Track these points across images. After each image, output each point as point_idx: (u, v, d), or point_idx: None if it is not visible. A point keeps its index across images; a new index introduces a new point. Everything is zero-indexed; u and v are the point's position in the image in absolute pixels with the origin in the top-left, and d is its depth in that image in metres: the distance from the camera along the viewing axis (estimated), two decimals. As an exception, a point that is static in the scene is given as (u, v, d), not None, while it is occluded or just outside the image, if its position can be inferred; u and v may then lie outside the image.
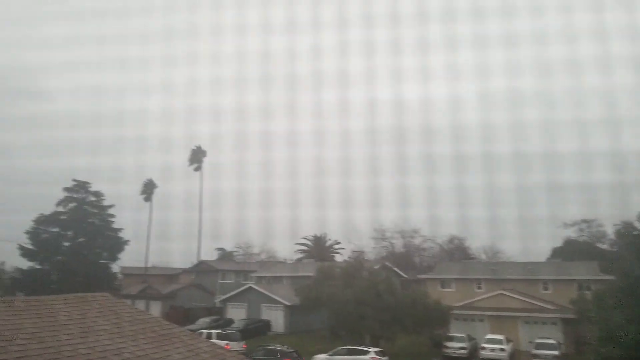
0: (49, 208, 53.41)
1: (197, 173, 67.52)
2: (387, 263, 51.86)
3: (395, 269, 50.23)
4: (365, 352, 28.21)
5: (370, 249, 61.23)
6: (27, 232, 51.61)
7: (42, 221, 52.91)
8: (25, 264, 52.08)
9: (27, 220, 51.47)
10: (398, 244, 63.60)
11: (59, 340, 8.28)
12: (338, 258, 67.12)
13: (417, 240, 63.68)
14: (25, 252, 51.53)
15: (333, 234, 71.14)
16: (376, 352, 28.25)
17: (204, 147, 67.79)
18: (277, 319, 42.47)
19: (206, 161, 68.20)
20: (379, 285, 31.96)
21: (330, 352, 29.00)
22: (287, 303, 41.57)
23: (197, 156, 67.63)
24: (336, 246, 73.50)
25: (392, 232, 62.74)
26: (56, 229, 53.58)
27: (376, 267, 44.04)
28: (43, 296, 10.85)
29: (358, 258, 45.47)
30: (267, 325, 41.75)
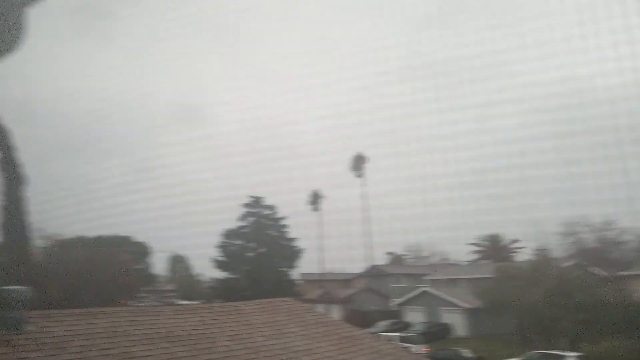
0: (231, 223, 59.21)
1: (360, 179, 68.70)
2: (577, 260, 46.86)
3: (588, 266, 45.11)
4: (563, 358, 25.54)
5: (556, 246, 55.84)
6: (218, 246, 57.84)
7: (229, 235, 58.81)
8: (219, 274, 58.51)
9: (215, 235, 57.73)
10: (589, 239, 56.96)
11: (255, 341, 8.91)
12: (517, 258, 62.66)
13: (612, 234, 56.34)
14: (218, 264, 57.92)
15: (510, 232, 66.52)
16: (577, 357, 25.40)
17: (364, 154, 68.73)
18: (457, 322, 41.12)
19: (368, 167, 68.99)
20: (569, 284, 28.97)
21: (521, 357, 26.95)
22: (467, 306, 40.01)
23: (358, 163, 68.91)
24: (514, 245, 68.77)
25: (580, 226, 56.46)
26: (241, 242, 59.19)
27: (565, 264, 40.12)
28: (238, 302, 11.88)
29: (543, 256, 41.80)
30: (447, 328, 40.62)
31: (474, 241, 69.24)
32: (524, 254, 62.36)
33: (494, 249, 67.59)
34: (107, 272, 35.61)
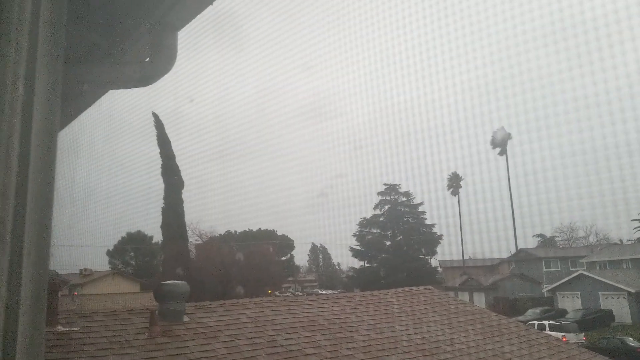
0: (367, 212, 59.70)
1: (502, 157, 64.92)
2: None
3: None
4: None
5: None
6: (354, 235, 58.87)
7: (365, 224, 59.51)
8: (357, 263, 59.64)
9: (352, 225, 58.74)
10: None
11: (395, 330, 8.88)
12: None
13: None
14: (355, 253, 59.02)
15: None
16: None
17: (505, 130, 64.77)
18: (620, 308, 37.25)
19: (511, 144, 64.83)
20: None
21: None
22: (631, 290, 36.05)
23: (500, 139, 65.03)
24: (687, 219, 60.13)
25: None
26: (377, 230, 59.57)
27: None
28: (376, 291, 11.94)
29: None
30: (609, 315, 37.00)
31: (637, 218, 61.80)
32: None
33: (663, 225, 59.71)
34: (254, 265, 38.15)
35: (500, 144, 64.62)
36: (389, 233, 59.43)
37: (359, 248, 59.20)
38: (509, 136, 64.18)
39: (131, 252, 54.12)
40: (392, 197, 60.23)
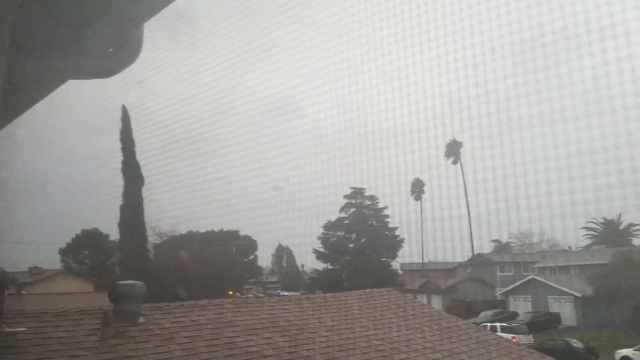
0: (332, 215, 59.89)
1: (456, 166, 66.28)
2: None
3: None
4: None
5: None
6: (319, 238, 59.02)
7: (330, 227, 59.74)
8: (320, 265, 59.81)
9: (317, 227, 58.81)
10: None
11: (354, 332, 8.93)
12: (636, 242, 57.40)
13: None
14: (319, 255, 59.19)
15: (626, 216, 60.93)
16: None
17: (457, 139, 66.12)
18: (566, 311, 38.76)
19: (463, 152, 66.27)
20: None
21: (637, 347, 25.08)
22: (577, 294, 37.52)
23: (453, 149, 66.52)
24: (634, 228, 62.97)
25: None
26: (341, 233, 59.93)
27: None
28: (338, 293, 11.99)
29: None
30: (556, 318, 38.45)
31: (586, 226, 64.39)
32: (644, 238, 57.07)
33: (610, 233, 62.39)
34: (216, 265, 37.65)
35: (453, 153, 65.99)
36: (353, 236, 59.87)
37: (323, 250, 59.38)
38: (460, 145, 65.51)
39: (85, 251, 52.43)
40: (358, 201, 60.70)
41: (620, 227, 63.30)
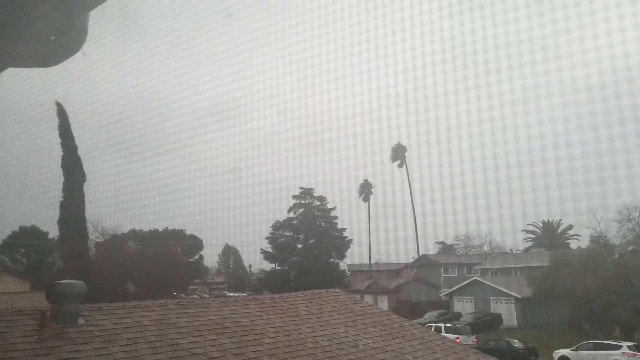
0: (280, 215, 59.68)
1: (402, 169, 67.63)
2: (636, 246, 44.80)
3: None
4: (617, 347, 24.68)
5: (614, 233, 53.39)
6: (267, 238, 58.62)
7: (278, 227, 59.47)
8: (268, 265, 59.42)
9: (265, 227, 58.40)
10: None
11: (302, 332, 8.92)
12: (573, 245, 60.43)
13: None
14: (267, 256, 58.79)
15: (565, 218, 64.01)
16: (630, 347, 24.45)
17: (402, 143, 67.44)
18: (508, 312, 40.18)
19: (408, 156, 67.69)
20: (627, 271, 27.78)
21: (573, 347, 26.27)
22: (518, 295, 39.01)
23: (398, 153, 67.82)
24: (570, 232, 66.37)
25: (638, 212, 53.78)
26: (290, 233, 59.76)
27: (622, 251, 38.45)
28: (285, 293, 11.94)
29: (600, 242, 40.22)
30: (497, 319, 39.78)
31: (526, 229, 67.32)
32: (579, 242, 60.12)
33: (549, 236, 65.47)
34: (160, 265, 36.73)
35: (399, 157, 67.31)
36: (302, 236, 59.82)
37: (271, 250, 59.00)
38: (405, 149, 66.97)
39: (22, 248, 49.91)
40: (307, 201, 60.72)
41: (558, 231, 66.57)
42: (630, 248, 40.54)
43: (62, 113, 34.20)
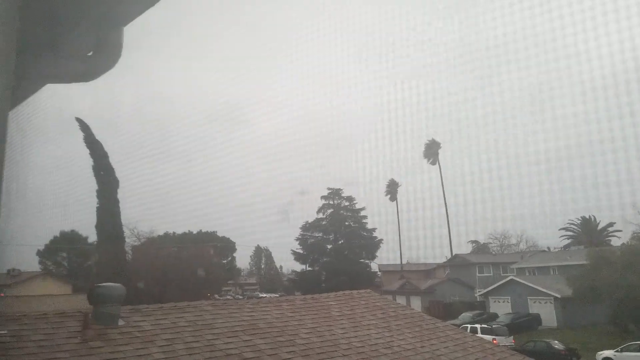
0: (310, 216, 59.96)
1: (435, 167, 66.81)
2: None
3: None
4: None
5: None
6: (297, 239, 58.99)
7: (308, 228, 59.75)
8: (298, 266, 59.79)
9: (295, 229, 58.78)
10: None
11: (334, 334, 8.96)
12: (614, 242, 58.53)
13: None
14: (297, 257, 59.16)
15: (605, 216, 61.97)
16: None
17: (436, 140, 66.64)
18: (546, 312, 39.24)
19: (442, 153, 66.81)
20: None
21: (618, 348, 25.37)
22: (557, 295, 38.05)
23: (431, 149, 67.05)
24: (610, 229, 64.31)
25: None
26: (319, 234, 59.95)
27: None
28: (317, 294, 12.00)
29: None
30: (536, 319, 38.89)
31: (565, 226, 65.54)
32: (620, 238, 58.18)
33: (588, 233, 63.57)
34: (194, 267, 37.37)
35: (432, 154, 66.56)
36: (331, 237, 59.92)
37: (301, 251, 59.32)
38: (439, 146, 66.15)
39: (64, 253, 51.60)
40: (335, 202, 60.77)
41: (598, 228, 64.58)
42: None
43: (84, 126, 35.34)
